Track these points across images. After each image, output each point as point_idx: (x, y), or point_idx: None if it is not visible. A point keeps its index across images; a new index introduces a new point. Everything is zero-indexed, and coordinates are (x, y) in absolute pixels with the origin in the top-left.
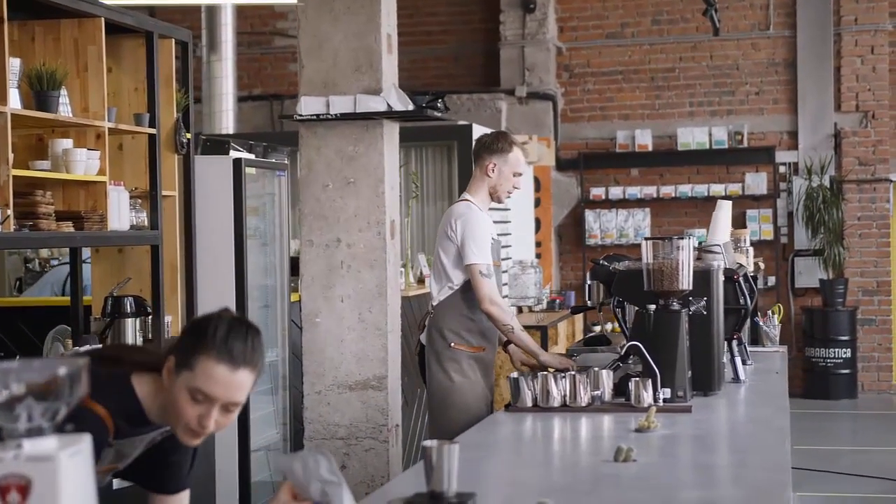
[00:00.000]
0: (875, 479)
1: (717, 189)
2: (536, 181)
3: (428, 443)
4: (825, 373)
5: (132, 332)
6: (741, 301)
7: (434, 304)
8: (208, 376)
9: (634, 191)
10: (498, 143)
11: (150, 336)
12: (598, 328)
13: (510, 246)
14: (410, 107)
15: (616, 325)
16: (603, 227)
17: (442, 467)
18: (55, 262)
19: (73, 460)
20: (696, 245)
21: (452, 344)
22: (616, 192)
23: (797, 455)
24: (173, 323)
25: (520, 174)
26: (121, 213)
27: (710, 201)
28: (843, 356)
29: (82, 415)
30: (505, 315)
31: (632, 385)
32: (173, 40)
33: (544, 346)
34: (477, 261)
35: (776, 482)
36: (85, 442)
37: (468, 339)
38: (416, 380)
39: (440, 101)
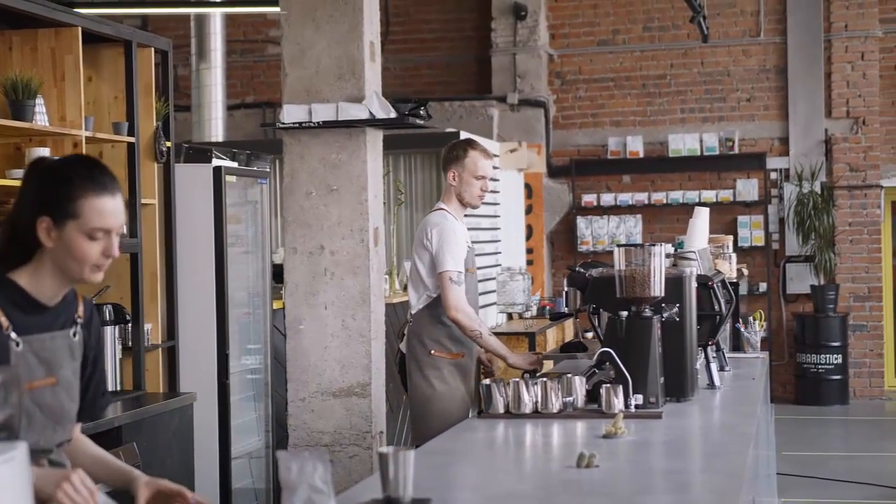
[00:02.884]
0: (865, 485)
1: (709, 195)
2: (528, 188)
3: (383, 449)
4: (816, 379)
5: (111, 339)
6: (716, 307)
7: (412, 312)
8: (97, 213)
9: (626, 197)
10: (453, 150)
11: (129, 344)
12: (590, 335)
13: (500, 253)
14: (392, 114)
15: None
16: (595, 233)
17: (397, 474)
18: None
19: (5, 467)
20: (672, 252)
21: (433, 351)
22: (608, 198)
23: (787, 461)
24: (153, 331)
25: (482, 177)
26: None
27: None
28: (835, 362)
29: None
30: (472, 321)
31: (603, 391)
32: (153, 49)
33: (532, 349)
34: (449, 268)
35: (730, 487)
36: (20, 449)
37: (448, 346)
38: (401, 386)
39: (423, 108)
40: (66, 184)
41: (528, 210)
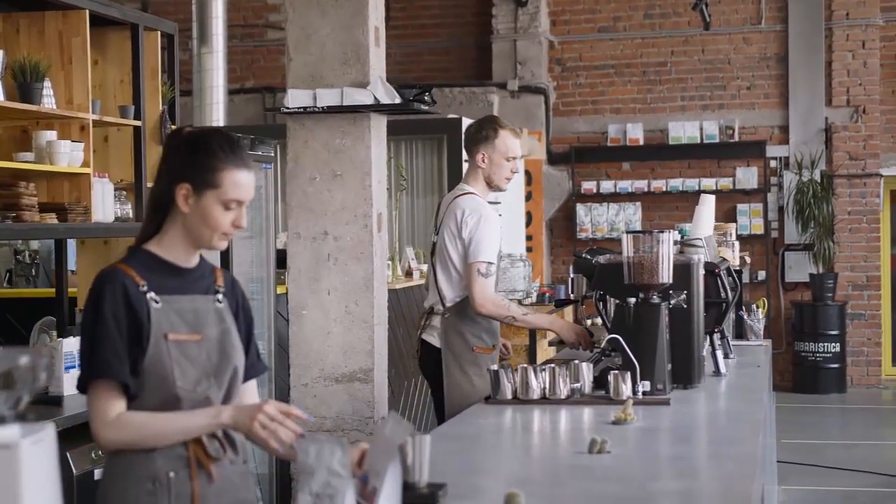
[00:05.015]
0: (862, 472)
1: (708, 183)
2: (528, 175)
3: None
4: (814, 367)
5: None
6: (722, 295)
7: (447, 304)
8: (237, 185)
9: (626, 185)
10: (482, 130)
11: None
12: (589, 321)
13: (500, 239)
14: (397, 100)
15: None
16: (594, 220)
17: (413, 458)
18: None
19: (35, 448)
20: (679, 239)
21: (475, 348)
22: (607, 185)
23: (785, 449)
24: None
25: (512, 158)
26: (105, 205)
27: (700, 196)
28: (833, 350)
29: (99, 278)
30: (500, 309)
31: (611, 378)
32: (159, 32)
33: (532, 338)
34: (481, 259)
35: (744, 473)
36: (48, 431)
37: (486, 341)
38: (403, 372)
39: (427, 94)
40: (209, 155)
41: (528, 197)
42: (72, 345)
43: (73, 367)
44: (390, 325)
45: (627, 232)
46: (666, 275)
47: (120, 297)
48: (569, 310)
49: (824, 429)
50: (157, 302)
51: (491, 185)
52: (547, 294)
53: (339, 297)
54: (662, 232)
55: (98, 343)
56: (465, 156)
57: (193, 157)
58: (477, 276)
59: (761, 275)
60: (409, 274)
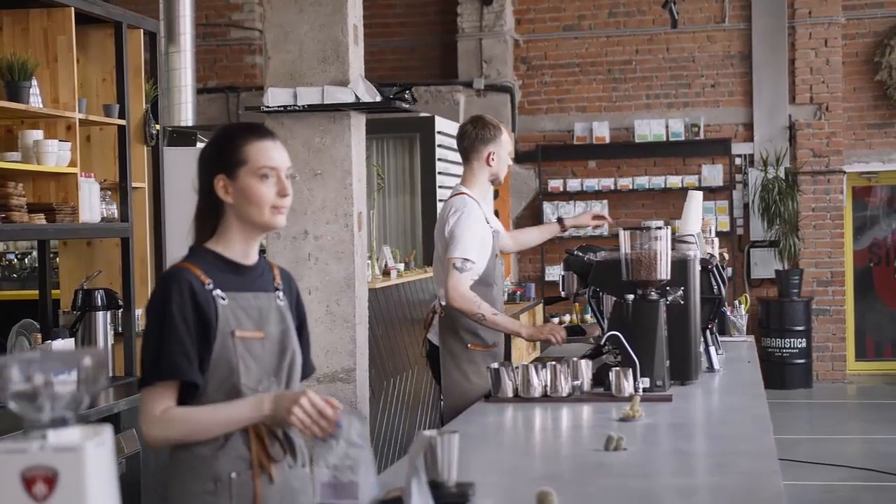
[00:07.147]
0: (831, 466)
1: (674, 181)
2: None
3: (428, 433)
4: (781, 363)
5: (103, 325)
6: (715, 290)
7: (442, 303)
8: (263, 153)
9: (592, 183)
10: (487, 130)
11: (120, 330)
12: (556, 319)
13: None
14: (378, 98)
15: (576, 316)
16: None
17: (442, 457)
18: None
19: (98, 451)
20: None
21: (469, 345)
22: (574, 184)
23: None
24: (143, 316)
25: (510, 150)
26: (92, 205)
27: (666, 193)
28: (799, 346)
29: (165, 277)
30: (471, 305)
31: (612, 375)
32: (142, 31)
33: (507, 336)
34: (455, 255)
35: (767, 469)
36: (107, 433)
37: (483, 338)
38: (383, 372)
39: (407, 92)
40: (228, 140)
41: (495, 195)
42: (60, 347)
43: None
44: (370, 324)
45: (625, 228)
46: (664, 271)
47: (187, 296)
48: (538, 308)
49: (792, 424)
50: (223, 299)
51: (495, 182)
52: (517, 293)
53: (320, 297)
54: (660, 228)
55: (166, 344)
56: (436, 155)
57: (217, 150)
58: (452, 270)
59: (727, 271)
60: (386, 273)
